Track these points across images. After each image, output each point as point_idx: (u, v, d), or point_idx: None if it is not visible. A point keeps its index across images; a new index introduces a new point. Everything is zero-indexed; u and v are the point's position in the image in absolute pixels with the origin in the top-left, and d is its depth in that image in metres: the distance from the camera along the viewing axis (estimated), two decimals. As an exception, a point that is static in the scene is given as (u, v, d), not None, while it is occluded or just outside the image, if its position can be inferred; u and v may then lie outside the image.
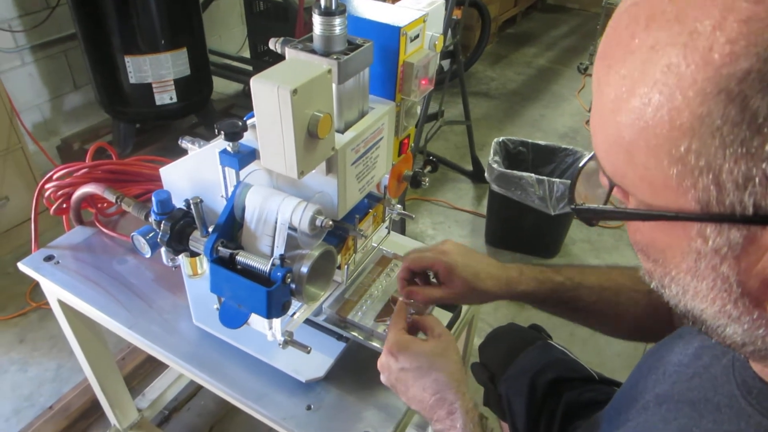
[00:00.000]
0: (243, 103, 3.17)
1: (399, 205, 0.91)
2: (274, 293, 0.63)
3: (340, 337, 0.82)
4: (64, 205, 1.02)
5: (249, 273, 0.66)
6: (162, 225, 0.70)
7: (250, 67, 3.07)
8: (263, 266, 0.65)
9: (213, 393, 1.51)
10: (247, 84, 2.47)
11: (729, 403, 0.45)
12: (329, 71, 0.58)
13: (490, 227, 2.28)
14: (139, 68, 2.16)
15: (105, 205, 1.03)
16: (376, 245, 0.93)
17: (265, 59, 3.10)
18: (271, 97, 0.53)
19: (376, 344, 0.79)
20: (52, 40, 2.53)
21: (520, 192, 1.99)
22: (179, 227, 0.70)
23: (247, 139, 0.67)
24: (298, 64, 0.58)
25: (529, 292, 0.78)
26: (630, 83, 0.35)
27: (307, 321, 0.83)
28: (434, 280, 0.81)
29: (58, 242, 1.04)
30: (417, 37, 0.72)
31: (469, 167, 2.70)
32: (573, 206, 0.45)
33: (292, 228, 0.66)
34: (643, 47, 0.34)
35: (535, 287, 0.78)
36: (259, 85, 0.54)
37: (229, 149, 0.67)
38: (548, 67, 4.03)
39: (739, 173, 0.31)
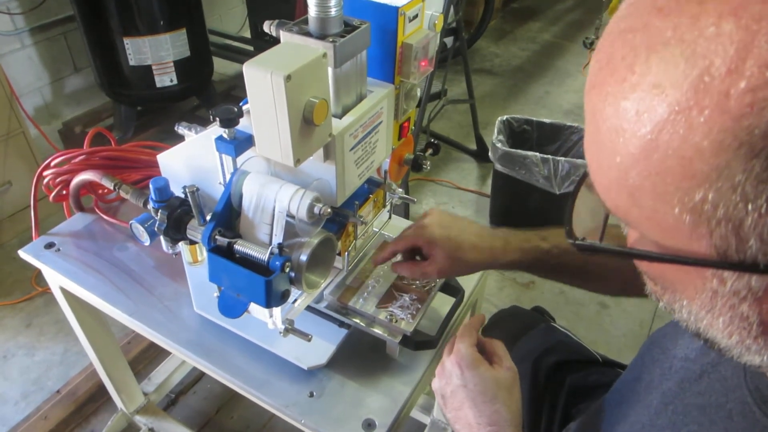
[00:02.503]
0: (244, 85, 3.13)
1: (400, 189, 0.89)
2: (273, 282, 0.62)
3: (341, 324, 0.82)
4: (63, 192, 1.01)
5: (247, 262, 0.65)
6: (159, 214, 0.69)
7: (251, 47, 3.04)
8: (262, 255, 0.64)
9: (218, 376, 1.52)
10: None
11: (741, 411, 0.43)
12: (324, 55, 0.56)
13: (495, 207, 2.26)
14: (139, 50, 2.13)
15: (105, 191, 1.02)
16: (377, 230, 0.92)
17: (265, 39, 3.05)
18: (264, 83, 0.52)
19: (378, 331, 0.79)
20: (50, 22, 2.50)
21: (525, 171, 1.97)
22: (177, 216, 0.69)
23: (244, 125, 0.66)
24: (292, 48, 0.56)
25: (516, 261, 0.77)
26: (631, 122, 0.30)
27: (309, 308, 0.82)
28: (418, 258, 0.81)
29: (58, 229, 1.03)
30: (416, 16, 0.70)
31: (473, 146, 2.68)
32: (573, 242, 0.41)
33: (290, 216, 0.65)
34: (644, 83, 0.29)
35: (521, 257, 0.77)
36: (252, 71, 0.52)
37: (225, 136, 0.66)
38: (553, 42, 3.96)
39: (764, 228, 0.28)
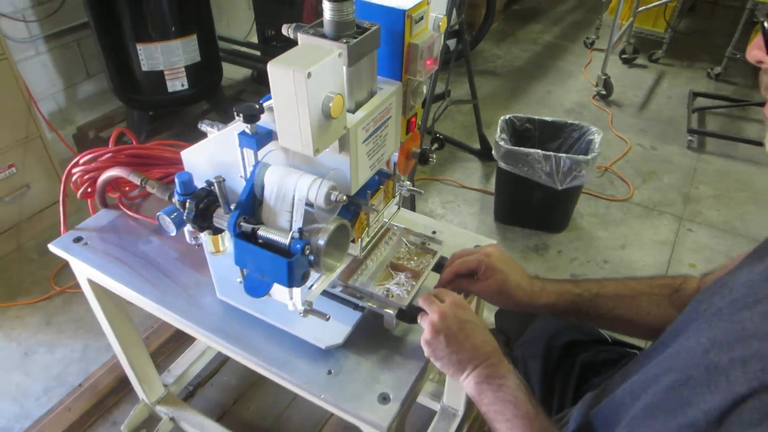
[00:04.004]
0: (252, 89, 3.20)
1: (408, 182, 0.95)
2: (295, 264, 0.68)
3: (356, 307, 0.87)
4: (89, 189, 1.07)
5: (270, 246, 0.70)
6: (187, 204, 0.74)
7: (258, 53, 3.10)
8: (283, 239, 0.69)
9: (234, 369, 1.58)
10: (256, 69, 2.54)
11: None
12: (340, 54, 0.62)
13: (499, 204, 2.32)
14: (151, 56, 2.20)
15: (128, 188, 1.08)
16: (387, 221, 0.97)
17: (273, 44, 3.13)
18: (287, 80, 0.57)
19: (390, 311, 0.84)
20: (64, 29, 2.58)
21: (528, 168, 2.02)
22: (203, 205, 0.75)
23: (264, 121, 0.72)
24: (310, 49, 0.62)
25: (550, 305, 0.87)
26: None
27: (325, 293, 0.88)
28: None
29: (85, 224, 1.09)
30: (421, 18, 0.76)
31: (477, 146, 2.73)
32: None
33: (308, 204, 0.70)
34: None
35: (555, 300, 0.86)
36: (276, 69, 0.58)
37: (247, 131, 0.71)
38: (554, 42, 4.02)
39: None
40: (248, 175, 0.78)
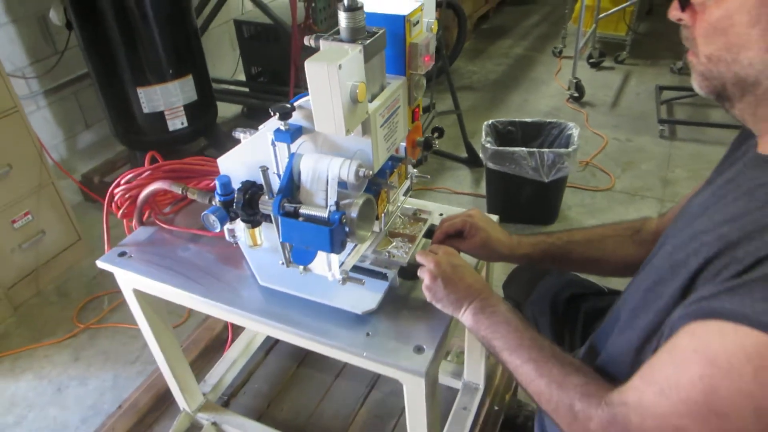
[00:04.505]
0: (244, 124, 3.35)
1: (416, 170, 1.10)
2: (335, 231, 0.80)
3: (384, 276, 0.99)
4: (127, 210, 1.18)
5: (311, 221, 0.83)
6: (236, 194, 0.87)
7: (247, 89, 3.26)
8: (323, 213, 0.82)
9: (264, 376, 1.67)
10: (246, 105, 2.73)
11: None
12: (360, 51, 0.75)
13: (491, 203, 2.45)
14: (151, 98, 2.33)
15: (163, 204, 1.20)
16: (399, 204, 1.10)
17: (259, 80, 3.29)
18: (321, 72, 0.71)
19: (379, 268, 1.00)
20: (62, 83, 2.73)
21: (514, 165, 2.17)
22: (249, 195, 0.88)
23: (295, 118, 0.85)
24: (335, 49, 0.76)
25: (528, 254, 1.02)
26: None
27: (355, 267, 1.00)
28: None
29: (125, 241, 1.20)
30: (418, 22, 0.90)
31: (464, 154, 2.88)
32: None
33: (340, 182, 0.83)
34: None
35: (531, 250, 1.02)
36: (313, 65, 0.71)
37: (281, 128, 0.85)
38: (525, 54, 4.23)
39: None
40: (282, 169, 0.91)
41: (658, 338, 0.66)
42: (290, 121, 0.85)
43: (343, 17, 0.79)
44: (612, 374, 0.75)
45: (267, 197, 0.88)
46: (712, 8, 0.62)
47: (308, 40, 0.85)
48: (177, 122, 2.43)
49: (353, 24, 0.79)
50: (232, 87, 3.26)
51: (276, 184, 0.89)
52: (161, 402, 1.63)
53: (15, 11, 2.49)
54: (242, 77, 3.44)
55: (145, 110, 2.36)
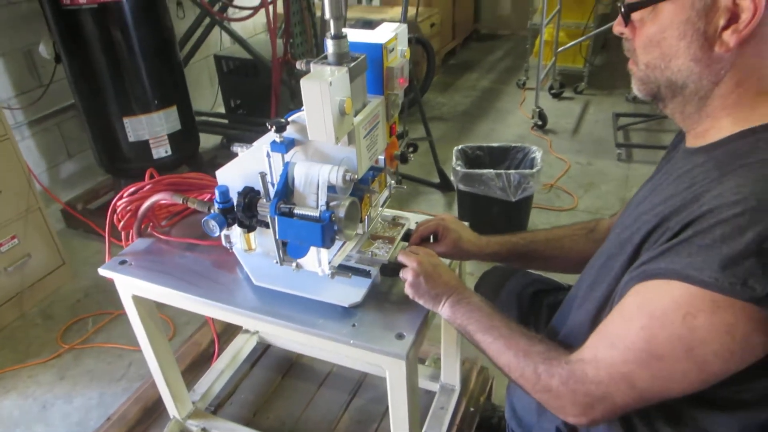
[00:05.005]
0: (224, 155, 3.46)
1: (393, 181, 1.22)
2: (326, 227, 0.92)
3: (367, 274, 1.11)
4: (126, 223, 1.28)
5: (304, 219, 0.94)
6: (237, 197, 0.98)
7: (226, 120, 3.38)
8: (314, 213, 0.94)
9: (250, 387, 1.75)
10: (226, 136, 2.91)
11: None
12: (346, 71, 0.89)
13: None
14: (137, 127, 2.44)
15: (160, 218, 1.30)
16: (380, 211, 1.23)
17: (239, 113, 3.42)
18: (315, 88, 0.84)
19: (364, 266, 1.10)
20: (46, 114, 2.81)
21: (483, 186, 2.32)
22: (248, 199, 0.99)
23: (288, 131, 0.98)
24: (325, 70, 0.89)
25: (495, 252, 1.16)
26: None
27: (342, 266, 1.11)
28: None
29: (125, 251, 1.29)
30: (393, 49, 1.04)
31: (437, 179, 3.03)
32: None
33: (329, 185, 0.95)
34: None
35: (498, 249, 1.16)
36: (308, 83, 0.84)
37: (277, 140, 0.97)
38: (491, 87, 4.46)
39: None
40: (276, 177, 1.03)
41: (610, 305, 0.79)
42: (284, 134, 0.98)
43: (330, 44, 0.93)
44: (572, 345, 0.87)
45: (264, 200, 0.99)
46: (649, 24, 0.77)
47: (300, 64, 0.99)
48: (161, 150, 2.53)
49: (339, 50, 0.93)
50: (212, 119, 3.38)
51: (271, 190, 1.00)
52: (149, 414, 1.68)
53: (2, 46, 2.59)
54: (221, 109, 3.56)
55: (131, 139, 2.45)
